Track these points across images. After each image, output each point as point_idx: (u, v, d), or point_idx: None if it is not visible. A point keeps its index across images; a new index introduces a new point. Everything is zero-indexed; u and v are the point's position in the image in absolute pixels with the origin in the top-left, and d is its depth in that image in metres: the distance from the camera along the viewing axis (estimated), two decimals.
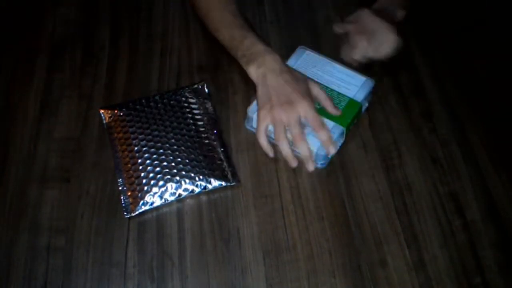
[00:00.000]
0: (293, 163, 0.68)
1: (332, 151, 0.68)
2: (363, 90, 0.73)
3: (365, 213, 0.66)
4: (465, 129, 0.74)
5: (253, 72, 0.70)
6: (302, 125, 0.68)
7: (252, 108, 0.72)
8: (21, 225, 0.65)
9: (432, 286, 0.61)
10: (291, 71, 0.71)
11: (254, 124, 0.71)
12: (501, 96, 0.77)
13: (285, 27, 0.84)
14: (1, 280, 0.62)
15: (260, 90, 0.69)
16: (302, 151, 0.67)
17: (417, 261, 0.63)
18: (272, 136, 0.69)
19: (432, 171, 0.70)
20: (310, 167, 0.68)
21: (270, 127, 0.69)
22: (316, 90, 0.70)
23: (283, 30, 0.84)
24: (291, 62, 0.76)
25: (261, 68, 0.70)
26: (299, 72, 0.72)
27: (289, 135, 0.68)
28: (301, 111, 0.67)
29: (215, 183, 0.67)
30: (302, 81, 0.70)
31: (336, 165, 0.70)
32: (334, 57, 0.77)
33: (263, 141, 0.68)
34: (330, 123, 0.69)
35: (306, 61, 0.76)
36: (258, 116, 0.69)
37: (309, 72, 0.74)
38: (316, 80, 0.73)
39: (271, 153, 0.69)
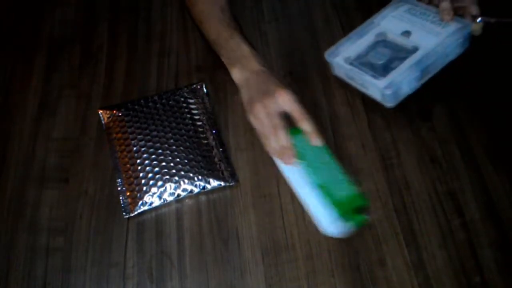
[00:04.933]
0: (290, 162, 0.66)
1: (317, 143, 0.66)
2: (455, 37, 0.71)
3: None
4: (464, 128, 0.74)
5: (237, 74, 0.70)
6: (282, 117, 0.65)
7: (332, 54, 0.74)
8: (20, 226, 0.65)
9: (431, 286, 0.61)
10: (273, 73, 0.69)
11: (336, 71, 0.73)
12: (501, 95, 0.77)
13: (284, 27, 0.84)
14: (1, 280, 0.62)
15: (243, 92, 0.69)
16: (279, 142, 0.64)
17: (416, 260, 0.63)
18: None
19: (431, 170, 0.70)
20: (319, 142, 0.65)
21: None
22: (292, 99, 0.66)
23: (281, 30, 0.84)
24: (387, 10, 0.76)
25: (244, 72, 0.69)
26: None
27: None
28: (281, 102, 0.65)
29: (214, 183, 0.67)
30: (284, 82, 0.69)
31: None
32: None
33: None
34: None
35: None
36: (248, 117, 0.68)
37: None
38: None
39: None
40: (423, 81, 0.72)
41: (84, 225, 0.66)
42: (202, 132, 0.72)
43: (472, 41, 0.74)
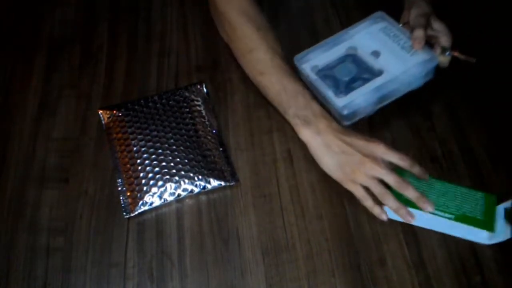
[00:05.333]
0: (411, 218, 0.63)
1: (425, 177, 0.64)
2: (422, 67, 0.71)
3: (364, 212, 0.66)
4: (464, 128, 0.74)
5: (309, 137, 0.66)
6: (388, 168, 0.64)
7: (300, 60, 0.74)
8: (20, 226, 0.65)
9: (432, 285, 0.61)
10: (348, 131, 0.66)
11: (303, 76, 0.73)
12: (501, 95, 0.77)
13: (284, 28, 0.84)
14: (1, 281, 0.62)
15: (326, 158, 0.65)
16: (412, 194, 0.62)
17: (417, 260, 0.63)
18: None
19: (431, 170, 0.70)
20: (425, 204, 0.62)
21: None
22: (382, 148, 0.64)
23: (281, 31, 0.84)
24: (364, 24, 0.76)
25: (320, 135, 0.65)
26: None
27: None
28: (384, 157, 0.63)
29: (214, 183, 0.67)
30: (360, 134, 0.66)
31: None
32: None
33: (372, 206, 0.64)
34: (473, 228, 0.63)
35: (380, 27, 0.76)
36: (346, 186, 0.65)
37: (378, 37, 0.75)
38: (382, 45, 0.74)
39: (385, 216, 0.64)
40: (380, 106, 0.72)
41: (84, 225, 0.66)
42: (202, 132, 0.72)
43: (437, 72, 0.73)
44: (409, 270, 0.62)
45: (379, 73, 0.72)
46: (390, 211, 0.64)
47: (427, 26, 0.71)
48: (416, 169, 0.64)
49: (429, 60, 0.72)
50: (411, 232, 0.65)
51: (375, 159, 0.63)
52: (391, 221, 0.66)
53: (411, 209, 0.63)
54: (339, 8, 0.87)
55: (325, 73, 0.73)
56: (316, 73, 0.73)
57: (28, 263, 0.63)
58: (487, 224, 0.62)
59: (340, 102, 0.70)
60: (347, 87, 0.72)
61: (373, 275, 0.62)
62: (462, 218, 0.62)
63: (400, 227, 0.65)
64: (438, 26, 0.73)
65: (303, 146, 0.71)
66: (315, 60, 0.75)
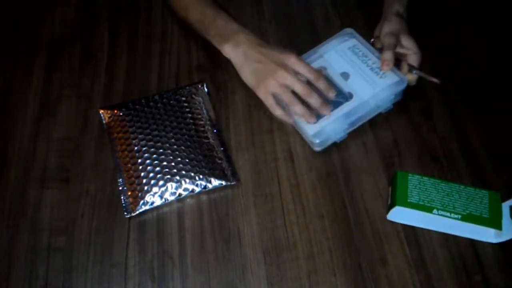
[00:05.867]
0: (313, 119, 0.69)
1: (326, 112, 0.69)
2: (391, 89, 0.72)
3: (365, 211, 0.67)
4: (465, 128, 0.74)
5: (230, 51, 0.71)
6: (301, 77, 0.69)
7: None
8: (21, 226, 0.65)
9: (433, 284, 0.61)
10: (266, 43, 0.71)
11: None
12: (501, 95, 0.77)
13: (284, 27, 0.84)
14: (2, 281, 0.62)
15: (244, 68, 0.71)
16: (315, 101, 0.68)
17: (418, 259, 0.63)
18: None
19: (432, 169, 0.70)
20: (327, 111, 0.69)
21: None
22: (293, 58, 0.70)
23: (282, 30, 0.84)
24: (333, 42, 0.76)
25: (239, 47, 0.70)
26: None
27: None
28: (294, 67, 0.68)
29: (215, 182, 0.67)
30: (277, 47, 0.71)
31: (336, 164, 0.70)
32: None
33: (280, 114, 0.70)
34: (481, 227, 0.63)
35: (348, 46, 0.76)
36: (258, 93, 0.70)
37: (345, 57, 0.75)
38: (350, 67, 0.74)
39: (291, 120, 0.70)
40: (349, 130, 0.71)
41: (85, 225, 0.66)
42: (203, 132, 0.72)
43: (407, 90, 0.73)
44: (410, 269, 0.62)
45: (349, 96, 0.71)
46: (392, 213, 0.64)
47: (396, 45, 0.72)
48: (322, 84, 0.69)
49: (398, 82, 0.72)
50: (412, 231, 0.65)
51: (286, 68, 0.68)
52: (391, 221, 0.66)
53: (413, 211, 0.63)
54: (339, 8, 0.87)
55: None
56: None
57: (29, 263, 0.63)
58: (494, 222, 0.62)
59: (311, 129, 0.69)
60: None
61: (374, 274, 0.62)
62: (469, 218, 0.62)
63: (400, 226, 0.65)
64: (407, 44, 0.73)
65: (304, 145, 0.71)
66: None
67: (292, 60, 0.69)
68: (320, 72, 0.70)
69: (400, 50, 0.73)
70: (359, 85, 0.72)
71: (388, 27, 0.73)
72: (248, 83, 0.71)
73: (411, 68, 0.73)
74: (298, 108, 0.68)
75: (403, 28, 0.73)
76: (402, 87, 0.71)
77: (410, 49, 0.73)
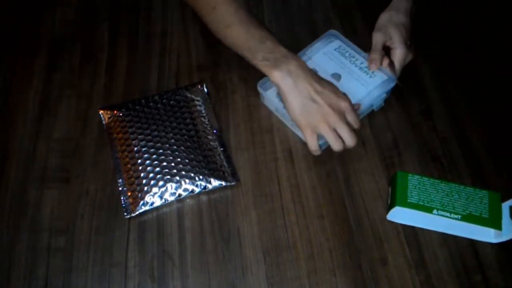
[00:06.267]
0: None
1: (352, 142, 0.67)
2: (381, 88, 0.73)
3: (365, 212, 0.67)
4: (465, 128, 0.74)
5: (280, 79, 0.66)
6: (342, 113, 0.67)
7: (264, 85, 0.73)
8: (21, 226, 0.65)
9: (433, 284, 0.62)
10: (318, 76, 0.68)
11: (266, 101, 0.73)
12: (501, 94, 0.77)
13: (284, 27, 0.84)
14: (2, 281, 0.62)
15: (294, 101, 0.66)
16: (352, 145, 0.67)
17: (418, 259, 0.63)
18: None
19: (432, 169, 0.70)
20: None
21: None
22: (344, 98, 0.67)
23: (282, 30, 0.84)
24: (318, 45, 0.77)
25: (291, 77, 0.65)
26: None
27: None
28: (344, 111, 0.66)
29: (215, 182, 0.67)
30: (330, 85, 0.68)
31: (336, 164, 0.70)
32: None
33: (318, 152, 0.69)
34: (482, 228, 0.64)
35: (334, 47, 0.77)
36: (303, 130, 0.67)
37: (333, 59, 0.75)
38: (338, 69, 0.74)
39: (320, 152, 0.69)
40: None
41: (85, 225, 0.66)
42: (203, 132, 0.72)
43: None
44: (410, 269, 0.62)
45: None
46: (392, 214, 0.64)
47: (385, 41, 0.73)
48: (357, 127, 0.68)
49: (388, 80, 0.73)
50: (411, 231, 0.65)
51: (339, 113, 0.66)
52: (391, 221, 0.66)
53: (413, 211, 0.63)
54: (339, 8, 0.87)
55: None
56: (281, 99, 0.69)
57: (29, 263, 0.63)
58: (494, 222, 0.62)
59: None
60: None
61: (374, 274, 0.62)
62: (469, 218, 0.62)
63: (400, 226, 0.65)
64: (394, 37, 0.72)
65: (304, 145, 0.71)
66: None
67: (344, 106, 0.66)
68: (354, 137, 0.67)
69: (387, 42, 0.74)
70: (352, 85, 0.73)
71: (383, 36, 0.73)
72: (293, 116, 0.67)
73: (390, 63, 0.73)
74: (337, 147, 0.67)
75: (399, 20, 0.73)
76: (392, 85, 0.73)
77: (393, 43, 0.73)
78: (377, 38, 0.73)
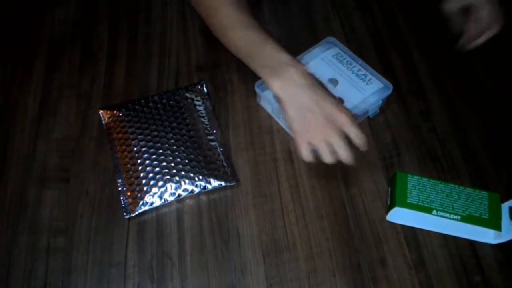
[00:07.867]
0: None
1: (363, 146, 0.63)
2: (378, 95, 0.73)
3: (364, 212, 0.67)
4: (465, 128, 0.74)
5: (279, 87, 0.63)
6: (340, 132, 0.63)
7: (262, 86, 0.72)
8: (20, 226, 0.65)
9: (432, 285, 0.62)
10: (318, 85, 0.64)
11: (263, 102, 0.73)
12: (501, 95, 0.77)
13: (284, 28, 0.84)
14: (1, 281, 0.62)
15: (291, 109, 0.62)
16: (349, 161, 0.62)
17: (417, 259, 0.63)
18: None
19: (431, 169, 0.70)
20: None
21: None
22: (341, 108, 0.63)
23: (281, 31, 0.84)
24: (316, 51, 0.77)
25: (291, 87, 0.62)
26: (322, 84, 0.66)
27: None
28: (344, 128, 0.61)
29: (214, 183, 0.67)
30: (332, 96, 0.64)
31: (335, 164, 0.70)
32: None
33: (310, 160, 0.63)
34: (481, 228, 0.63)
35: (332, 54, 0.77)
36: (296, 138, 0.63)
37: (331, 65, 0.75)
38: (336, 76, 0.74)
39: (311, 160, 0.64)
40: None
41: (85, 225, 0.66)
42: (203, 132, 0.72)
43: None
44: (410, 270, 0.62)
45: (340, 102, 0.72)
46: (392, 214, 0.64)
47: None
48: (363, 147, 0.62)
49: (384, 88, 0.73)
50: (411, 232, 0.65)
51: (336, 127, 0.61)
52: (391, 221, 0.66)
53: (412, 211, 0.63)
54: (339, 8, 0.87)
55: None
56: (278, 101, 0.66)
57: (28, 263, 0.63)
58: (494, 223, 0.62)
59: None
60: None
61: (373, 274, 0.62)
62: (468, 219, 0.62)
63: (400, 227, 0.65)
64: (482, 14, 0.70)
65: None
66: None
67: (345, 120, 0.61)
68: (365, 142, 0.63)
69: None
70: (348, 91, 0.73)
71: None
72: (290, 125, 0.64)
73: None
74: (328, 161, 0.62)
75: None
76: (388, 92, 0.73)
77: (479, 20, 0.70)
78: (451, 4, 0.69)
